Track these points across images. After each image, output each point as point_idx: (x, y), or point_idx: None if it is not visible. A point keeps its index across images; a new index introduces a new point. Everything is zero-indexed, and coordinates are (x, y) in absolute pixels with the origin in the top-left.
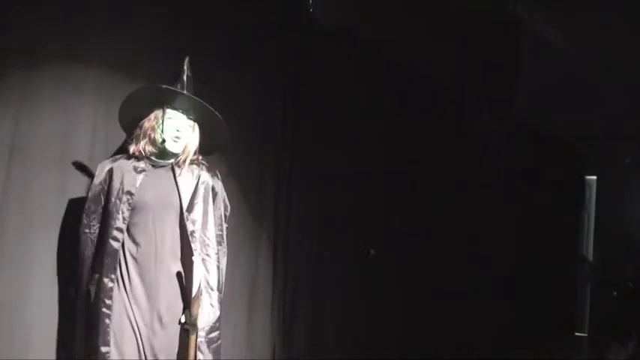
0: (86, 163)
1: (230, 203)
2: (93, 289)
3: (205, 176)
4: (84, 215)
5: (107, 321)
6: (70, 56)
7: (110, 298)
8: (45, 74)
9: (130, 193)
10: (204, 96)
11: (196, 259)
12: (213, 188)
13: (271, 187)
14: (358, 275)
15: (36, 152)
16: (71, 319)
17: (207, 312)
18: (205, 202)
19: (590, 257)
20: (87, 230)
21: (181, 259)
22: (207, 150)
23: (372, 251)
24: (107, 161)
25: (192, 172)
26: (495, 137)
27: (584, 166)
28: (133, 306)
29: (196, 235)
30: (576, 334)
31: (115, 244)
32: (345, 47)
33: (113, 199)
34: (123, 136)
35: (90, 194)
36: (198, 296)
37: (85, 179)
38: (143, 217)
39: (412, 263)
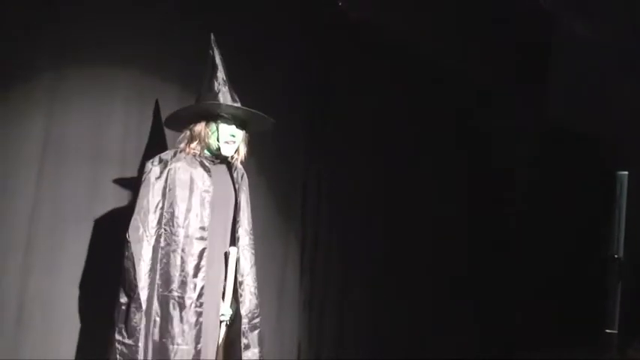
0: (118, 161)
1: (259, 201)
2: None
3: (242, 169)
4: (138, 217)
5: (201, 319)
6: (100, 57)
7: (202, 296)
8: (76, 74)
9: (206, 191)
10: None
11: (233, 250)
12: (246, 180)
13: (299, 186)
14: (385, 275)
15: (68, 150)
16: (102, 316)
17: (249, 299)
18: (246, 195)
19: (621, 253)
20: (144, 232)
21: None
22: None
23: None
24: (158, 162)
25: (236, 167)
26: (525, 133)
27: (616, 161)
28: None
29: (244, 228)
30: (607, 331)
31: (203, 244)
32: (373, 45)
33: (187, 199)
34: (155, 134)
35: (146, 195)
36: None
37: (116, 177)
38: (211, 217)
39: (440, 263)
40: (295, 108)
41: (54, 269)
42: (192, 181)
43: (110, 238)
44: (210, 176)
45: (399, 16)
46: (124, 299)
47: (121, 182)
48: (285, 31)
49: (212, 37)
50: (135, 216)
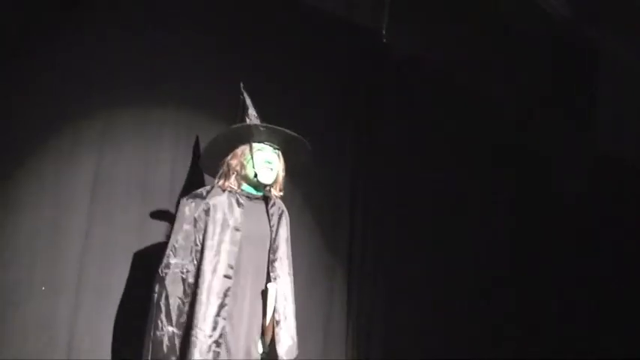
0: (166, 199)
1: (304, 233)
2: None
3: (282, 205)
4: (170, 254)
5: (219, 358)
6: (149, 96)
7: (222, 336)
8: (126, 112)
9: (237, 229)
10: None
11: (272, 286)
12: (285, 215)
13: (345, 218)
14: (435, 308)
15: (118, 188)
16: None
17: (286, 343)
18: (285, 231)
19: None
20: (177, 270)
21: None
22: (292, 172)
23: None
24: (192, 199)
25: (274, 202)
26: (574, 162)
27: None
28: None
29: (284, 266)
30: None
31: (228, 282)
32: (418, 76)
33: (218, 236)
34: (195, 170)
35: (178, 231)
36: (272, 324)
37: (164, 214)
38: (242, 254)
39: (487, 295)
40: (342, 142)
41: (103, 306)
42: (224, 218)
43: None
44: (243, 213)
45: (442, 50)
46: (151, 334)
47: (169, 219)
48: (331, 66)
49: (241, 85)
50: (167, 252)
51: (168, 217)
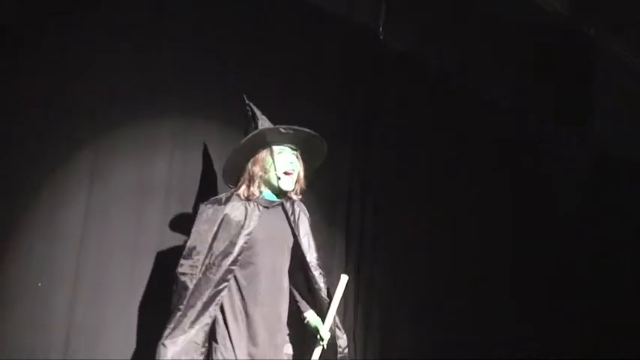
0: (163, 195)
1: None
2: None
3: (297, 204)
4: (186, 255)
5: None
6: (149, 96)
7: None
8: (125, 112)
9: (250, 234)
10: None
11: (344, 278)
12: (305, 214)
13: (343, 218)
14: (434, 311)
15: (114, 183)
16: (147, 348)
17: (342, 332)
18: (306, 230)
19: None
20: (190, 272)
21: (296, 288)
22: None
23: None
24: (213, 205)
25: (293, 204)
26: (573, 162)
27: None
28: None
29: (317, 266)
30: None
31: (224, 284)
32: (417, 74)
33: (230, 243)
34: (198, 169)
35: (195, 235)
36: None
37: (161, 211)
38: (260, 257)
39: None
40: (341, 141)
41: (100, 303)
42: (240, 224)
43: (154, 272)
44: (261, 219)
45: (441, 48)
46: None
47: (166, 218)
48: (330, 65)
49: (245, 98)
50: (184, 253)
51: (165, 215)
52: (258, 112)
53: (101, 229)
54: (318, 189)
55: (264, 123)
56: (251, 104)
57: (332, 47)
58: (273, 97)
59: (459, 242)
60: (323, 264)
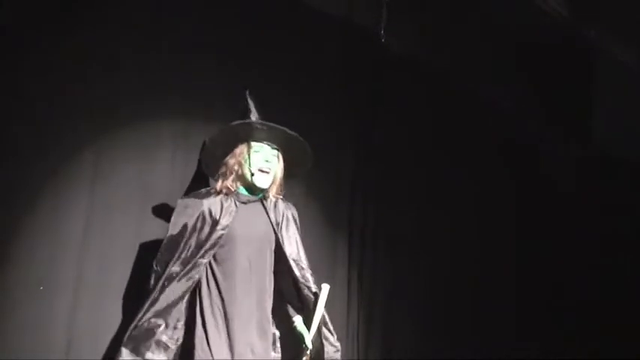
0: (165, 197)
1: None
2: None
3: (285, 206)
4: (162, 251)
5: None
6: (148, 96)
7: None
8: (126, 111)
9: (224, 229)
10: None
11: (325, 287)
12: (293, 217)
13: (344, 218)
14: (435, 311)
15: (117, 185)
16: None
17: (331, 337)
18: (294, 232)
19: None
20: (166, 268)
21: (283, 291)
22: (290, 174)
23: None
24: (190, 199)
25: (276, 204)
26: (571, 163)
27: None
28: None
29: (301, 264)
30: None
31: (196, 278)
32: (417, 75)
33: (204, 237)
34: (199, 171)
35: (171, 230)
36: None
37: (163, 212)
38: (236, 253)
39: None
40: (342, 142)
41: (101, 305)
42: (215, 219)
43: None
44: (237, 214)
45: (441, 49)
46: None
47: (168, 219)
48: (331, 66)
49: (247, 91)
50: (161, 246)
51: (167, 216)
52: (253, 108)
53: (103, 231)
54: (318, 190)
55: (252, 117)
56: (249, 99)
57: (332, 48)
58: (273, 98)
59: (460, 242)
60: (311, 265)
